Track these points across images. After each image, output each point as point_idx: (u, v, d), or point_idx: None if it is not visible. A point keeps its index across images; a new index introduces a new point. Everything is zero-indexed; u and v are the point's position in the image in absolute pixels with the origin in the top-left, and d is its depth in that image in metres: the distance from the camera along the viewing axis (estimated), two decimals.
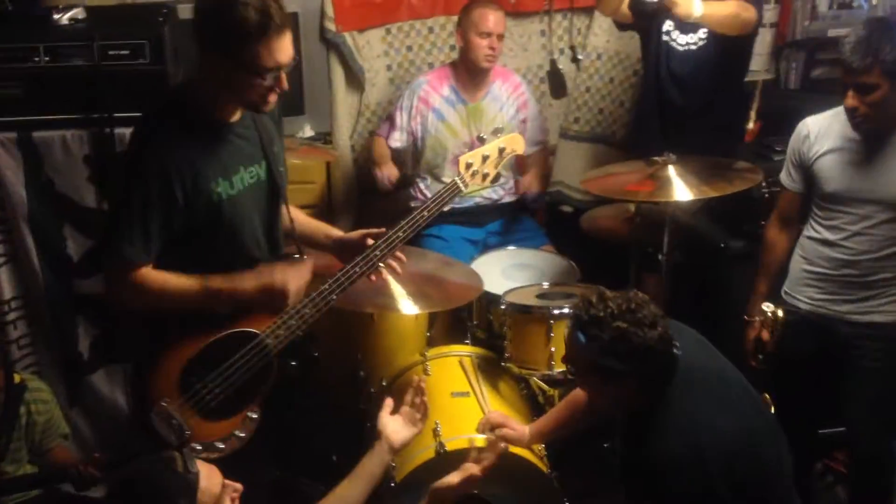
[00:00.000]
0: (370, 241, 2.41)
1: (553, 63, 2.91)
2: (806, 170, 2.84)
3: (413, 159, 3.82)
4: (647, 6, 2.90)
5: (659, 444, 2.10)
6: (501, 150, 2.64)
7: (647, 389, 2.13)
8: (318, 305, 2.28)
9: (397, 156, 3.80)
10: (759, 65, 4.19)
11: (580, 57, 2.98)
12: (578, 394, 2.60)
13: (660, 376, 2.13)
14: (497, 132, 2.69)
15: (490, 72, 3.67)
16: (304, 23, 3.86)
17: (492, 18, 3.55)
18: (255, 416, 2.25)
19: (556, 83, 2.96)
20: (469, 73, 3.65)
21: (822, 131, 2.80)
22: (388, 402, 2.37)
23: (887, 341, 2.77)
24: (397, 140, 3.75)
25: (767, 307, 2.97)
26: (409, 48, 4.08)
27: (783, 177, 2.95)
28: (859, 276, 2.77)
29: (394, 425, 2.32)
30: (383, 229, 2.44)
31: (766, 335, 2.99)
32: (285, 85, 2.14)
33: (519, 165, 3.86)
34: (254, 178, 2.28)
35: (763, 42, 4.17)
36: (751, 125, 3.05)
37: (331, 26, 3.88)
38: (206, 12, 2.12)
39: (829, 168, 2.77)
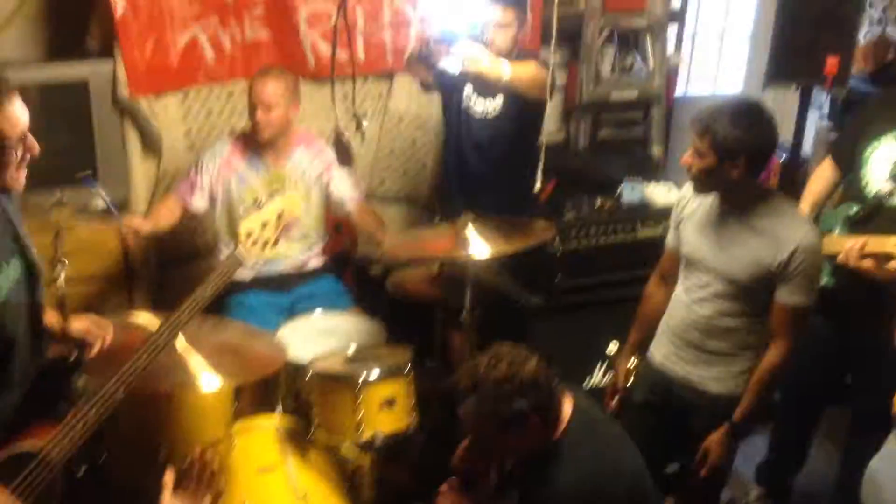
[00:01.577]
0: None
1: (338, 132, 2.97)
2: (677, 229, 2.99)
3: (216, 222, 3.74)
4: (448, 75, 3.02)
5: (562, 476, 2.25)
6: (280, 215, 2.62)
7: (546, 421, 2.28)
8: (104, 406, 2.15)
9: (199, 219, 3.71)
10: (550, 126, 4.42)
11: (365, 124, 3.04)
12: None
13: (552, 404, 2.29)
14: (274, 195, 2.68)
15: (291, 137, 3.64)
16: (95, 89, 3.72)
17: (258, 89, 3.46)
18: None
19: (340, 151, 3.00)
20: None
21: (693, 196, 2.92)
22: (168, 479, 2.16)
23: (715, 413, 2.87)
24: (200, 201, 3.63)
25: (610, 351, 3.10)
26: (209, 113, 4.02)
27: (668, 234, 3.08)
28: (699, 341, 2.89)
29: None
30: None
31: (620, 382, 3.13)
32: (36, 149, 2.04)
33: (346, 227, 3.85)
34: (16, 273, 2.15)
35: (554, 105, 4.40)
36: (538, 186, 3.22)
37: (124, 92, 3.76)
38: None
39: (689, 231, 2.91)
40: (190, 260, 4.07)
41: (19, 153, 2.01)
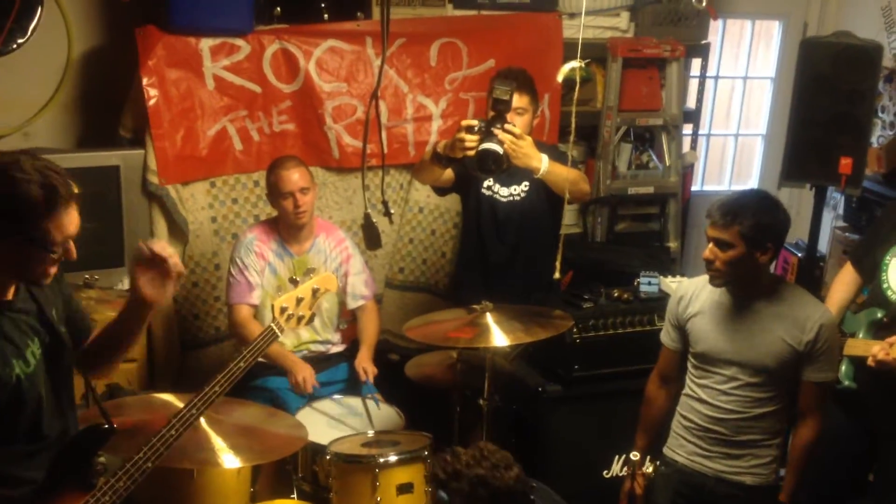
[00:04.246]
0: None
1: (367, 216, 3.05)
2: (681, 329, 3.01)
3: None
4: (493, 162, 3.13)
5: None
6: (315, 291, 2.68)
7: None
8: (133, 476, 2.17)
9: (220, 304, 3.75)
10: (568, 219, 4.49)
11: (392, 211, 3.12)
12: None
13: None
14: (309, 272, 2.73)
15: (313, 225, 3.73)
16: (126, 175, 3.84)
17: (289, 178, 3.56)
18: None
19: (369, 235, 3.08)
20: (290, 227, 3.69)
21: (695, 293, 2.97)
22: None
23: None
24: (257, 298, 3.67)
25: (634, 457, 3.06)
26: (235, 200, 4.13)
27: (663, 335, 3.11)
28: (728, 435, 2.90)
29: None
30: None
31: (638, 488, 3.06)
32: (74, 255, 2.10)
33: (349, 328, 3.89)
34: (40, 349, 2.20)
35: None
36: (557, 275, 3.27)
37: (153, 179, 3.87)
38: None
39: (700, 329, 2.94)
40: (210, 344, 4.11)
41: (56, 256, 2.07)
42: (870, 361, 2.91)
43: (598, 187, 4.62)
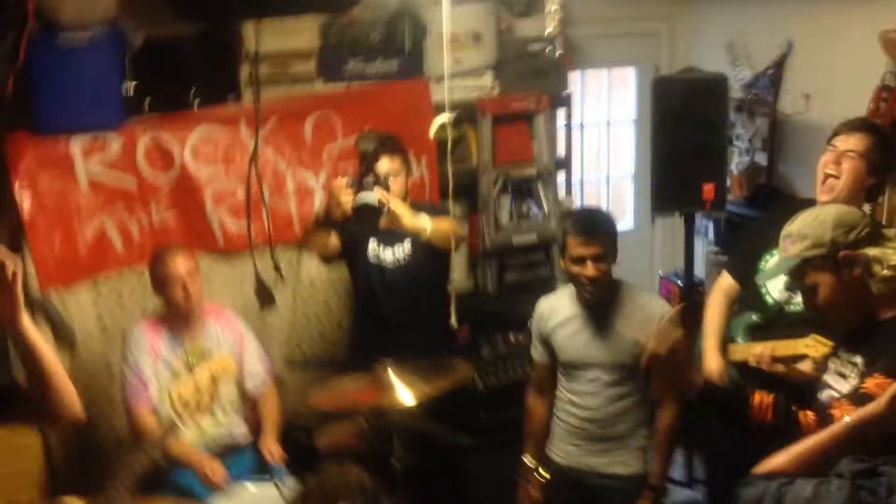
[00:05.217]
0: None
1: (258, 275, 3.09)
2: (546, 343, 3.26)
3: None
4: (370, 214, 3.25)
5: None
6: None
7: None
8: None
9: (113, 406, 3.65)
10: (458, 275, 4.56)
11: (280, 267, 3.16)
12: None
13: None
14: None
15: (202, 310, 3.69)
16: None
17: (175, 264, 3.56)
18: None
19: (262, 295, 3.12)
20: (179, 316, 3.64)
21: (554, 308, 3.25)
22: None
23: (629, 492, 3.15)
24: (155, 393, 3.54)
25: (531, 462, 3.30)
26: (120, 296, 4.04)
27: (533, 352, 3.35)
28: (598, 430, 3.17)
29: None
30: None
31: (534, 493, 3.31)
32: None
33: (253, 414, 3.85)
34: None
35: (460, 255, 4.57)
36: (453, 321, 3.35)
37: (34, 286, 3.75)
38: None
39: (562, 340, 3.21)
40: (110, 447, 3.98)
41: None
42: (751, 361, 3.08)
43: (484, 240, 4.72)
